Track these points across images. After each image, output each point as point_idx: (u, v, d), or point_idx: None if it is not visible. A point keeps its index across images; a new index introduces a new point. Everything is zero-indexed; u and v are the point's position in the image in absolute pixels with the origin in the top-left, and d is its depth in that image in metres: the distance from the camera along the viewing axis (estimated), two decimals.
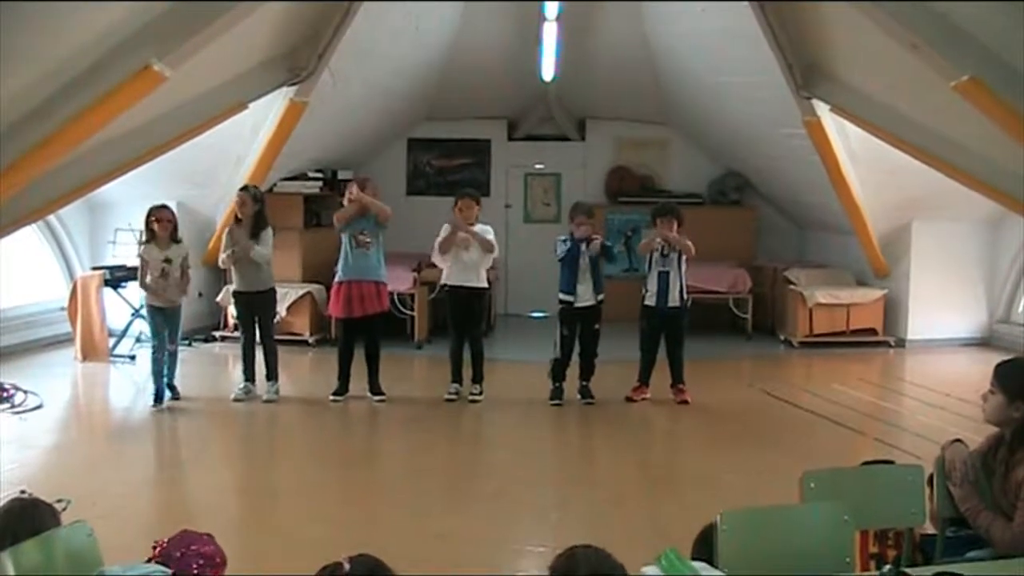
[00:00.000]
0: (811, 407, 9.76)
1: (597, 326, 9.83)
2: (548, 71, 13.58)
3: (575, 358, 9.86)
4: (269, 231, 9.76)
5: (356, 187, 9.72)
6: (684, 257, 9.71)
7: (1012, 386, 4.14)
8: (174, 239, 9.49)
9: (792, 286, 13.28)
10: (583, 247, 9.57)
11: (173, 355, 9.74)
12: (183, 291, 9.66)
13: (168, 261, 9.35)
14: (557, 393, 9.84)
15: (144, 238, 9.61)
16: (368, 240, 9.63)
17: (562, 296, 9.76)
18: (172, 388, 9.73)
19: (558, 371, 9.88)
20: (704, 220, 13.20)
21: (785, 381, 11.17)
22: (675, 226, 9.67)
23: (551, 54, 12.89)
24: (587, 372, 9.93)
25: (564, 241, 9.72)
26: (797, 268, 13.77)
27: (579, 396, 9.85)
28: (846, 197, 11.93)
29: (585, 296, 9.67)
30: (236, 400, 9.73)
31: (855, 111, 10.31)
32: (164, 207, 9.53)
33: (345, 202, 9.78)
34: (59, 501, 3.90)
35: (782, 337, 13.54)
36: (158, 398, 9.46)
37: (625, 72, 13.92)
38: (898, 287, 13.09)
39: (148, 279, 9.41)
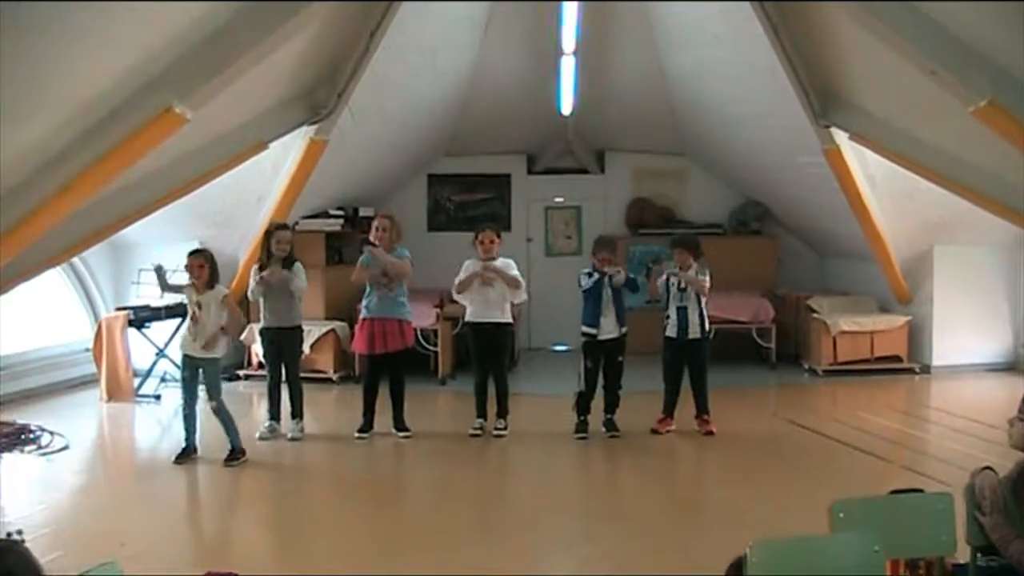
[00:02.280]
0: (837, 435, 9.70)
1: (621, 358, 9.81)
2: (566, 105, 13.62)
3: (599, 391, 9.85)
4: (299, 265, 9.77)
5: (378, 222, 9.77)
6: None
7: None
8: (211, 284, 8.96)
9: (815, 314, 13.24)
10: (606, 280, 9.61)
11: (219, 412, 9.01)
12: (227, 333, 9.07)
13: (199, 306, 8.91)
14: (582, 426, 9.80)
15: (189, 281, 9.12)
16: (388, 281, 9.65)
17: (585, 329, 9.75)
18: (236, 450, 9.01)
19: (583, 404, 9.85)
20: (725, 250, 13.23)
21: (810, 410, 11.11)
22: (691, 258, 9.69)
23: (569, 88, 12.93)
24: (611, 405, 9.90)
25: (588, 274, 9.72)
26: (820, 296, 13.75)
27: (604, 429, 9.80)
28: (867, 224, 11.90)
29: (608, 329, 9.65)
30: (261, 439, 9.71)
31: (874, 138, 10.30)
32: (197, 252, 9.10)
33: (371, 237, 9.78)
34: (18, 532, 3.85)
35: (806, 366, 13.49)
36: (183, 452, 9.04)
37: (642, 104, 13.97)
38: (921, 313, 13.03)
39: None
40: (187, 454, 9.07)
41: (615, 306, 9.68)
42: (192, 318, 8.99)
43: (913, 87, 8.48)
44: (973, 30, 7.40)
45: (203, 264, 8.93)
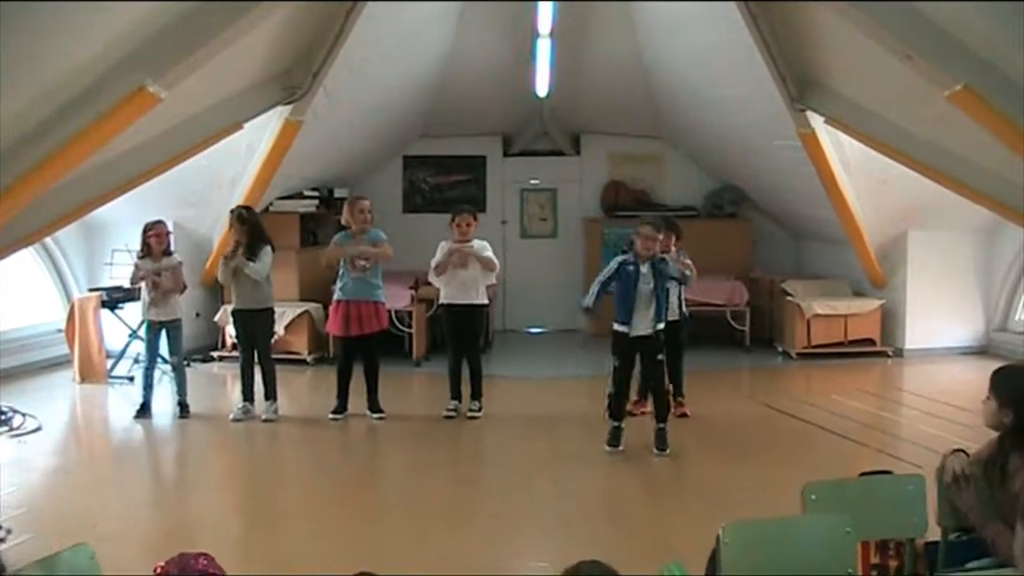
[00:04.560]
0: (810, 418, 9.75)
1: (660, 356, 8.68)
2: (542, 87, 13.60)
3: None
4: (268, 249, 9.78)
5: (349, 207, 9.73)
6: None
7: (1002, 392, 4.16)
8: (167, 253, 9.98)
9: (789, 297, 13.30)
10: (643, 269, 8.42)
11: (178, 370, 10.14)
12: (178, 288, 10.01)
13: (159, 273, 9.82)
14: (614, 436, 8.65)
15: (141, 253, 9.99)
16: (365, 264, 9.64)
17: (615, 326, 8.59)
18: (183, 406, 10.05)
19: (614, 409, 8.71)
20: (700, 233, 13.22)
21: (784, 393, 11.16)
22: (673, 239, 9.52)
23: (545, 70, 12.91)
24: (660, 412, 8.70)
25: (626, 264, 8.49)
26: (794, 280, 13.80)
27: (654, 444, 8.63)
28: (842, 208, 11.95)
29: (642, 326, 8.50)
30: (235, 420, 9.72)
31: (849, 122, 10.33)
32: (159, 222, 10.02)
33: (343, 221, 9.81)
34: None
35: (780, 349, 13.56)
36: (142, 409, 9.92)
37: (619, 87, 13.95)
38: (895, 297, 13.10)
39: (141, 288, 9.98)
40: (145, 411, 9.95)
41: (656, 300, 8.51)
42: (153, 285, 9.83)
43: (889, 72, 8.51)
44: (947, 15, 7.43)
45: (161, 234, 9.92)
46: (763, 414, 10.15)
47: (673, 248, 9.41)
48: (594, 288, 8.64)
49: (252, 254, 9.62)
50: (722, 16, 10.14)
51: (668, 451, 8.53)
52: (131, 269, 10.07)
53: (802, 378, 12.36)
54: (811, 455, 8.57)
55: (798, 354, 13.02)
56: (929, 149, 9.64)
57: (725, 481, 7.77)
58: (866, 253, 12.75)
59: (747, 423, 9.84)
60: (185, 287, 10.23)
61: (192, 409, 10.04)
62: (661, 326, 8.60)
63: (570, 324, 15.54)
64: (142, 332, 10.44)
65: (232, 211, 10.01)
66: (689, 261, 9.20)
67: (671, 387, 9.56)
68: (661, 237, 8.73)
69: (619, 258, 8.61)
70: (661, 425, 8.62)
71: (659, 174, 15.99)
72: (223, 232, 11.77)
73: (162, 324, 9.99)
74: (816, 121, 10.75)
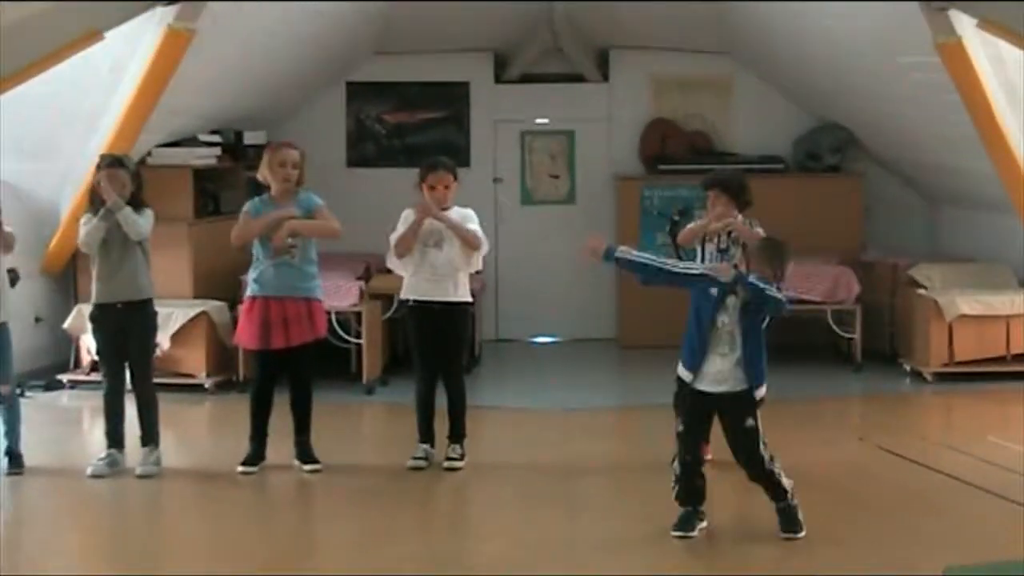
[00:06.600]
0: (953, 470, 9.69)
1: (751, 422, 8.06)
2: None
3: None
4: (150, 212, 9.70)
5: (268, 158, 9.64)
6: None
7: None
8: None
9: (921, 291, 13.26)
10: (730, 301, 8.01)
11: (11, 406, 9.93)
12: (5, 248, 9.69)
13: None
14: (684, 522, 8.07)
15: None
16: (293, 243, 9.53)
17: (679, 369, 8.17)
18: (13, 456, 9.82)
19: (683, 490, 8.17)
20: (788, 195, 13.29)
21: (913, 432, 11.20)
22: (732, 208, 9.39)
23: None
24: (772, 493, 8.19)
25: (709, 286, 8.07)
26: (928, 264, 13.76)
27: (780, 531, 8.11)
28: (1002, 156, 11.85)
29: (716, 375, 7.98)
30: (95, 476, 9.66)
31: (1015, 25, 10.24)
32: None
33: (259, 178, 9.71)
34: None
35: (907, 367, 13.55)
36: None
37: None
38: None
39: None
40: None
41: (742, 337, 8.00)
42: None
43: None
44: None
45: None
46: (881, 462, 10.16)
47: (739, 216, 9.24)
48: (659, 263, 8.41)
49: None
50: None
51: (802, 532, 8.04)
52: None
53: (940, 410, 12.38)
54: (952, 523, 8.51)
55: (935, 375, 13.01)
56: None
57: (825, 558, 7.69)
58: None
59: (859, 476, 9.83)
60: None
61: (31, 459, 9.89)
62: (753, 386, 8.08)
63: (594, 331, 15.57)
64: None
65: (103, 156, 9.90)
66: (760, 229, 9.09)
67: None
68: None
69: (704, 266, 8.37)
70: (781, 504, 8.11)
71: (726, 109, 16.05)
72: (77, 194, 11.70)
73: None
74: (964, 24, 10.66)
